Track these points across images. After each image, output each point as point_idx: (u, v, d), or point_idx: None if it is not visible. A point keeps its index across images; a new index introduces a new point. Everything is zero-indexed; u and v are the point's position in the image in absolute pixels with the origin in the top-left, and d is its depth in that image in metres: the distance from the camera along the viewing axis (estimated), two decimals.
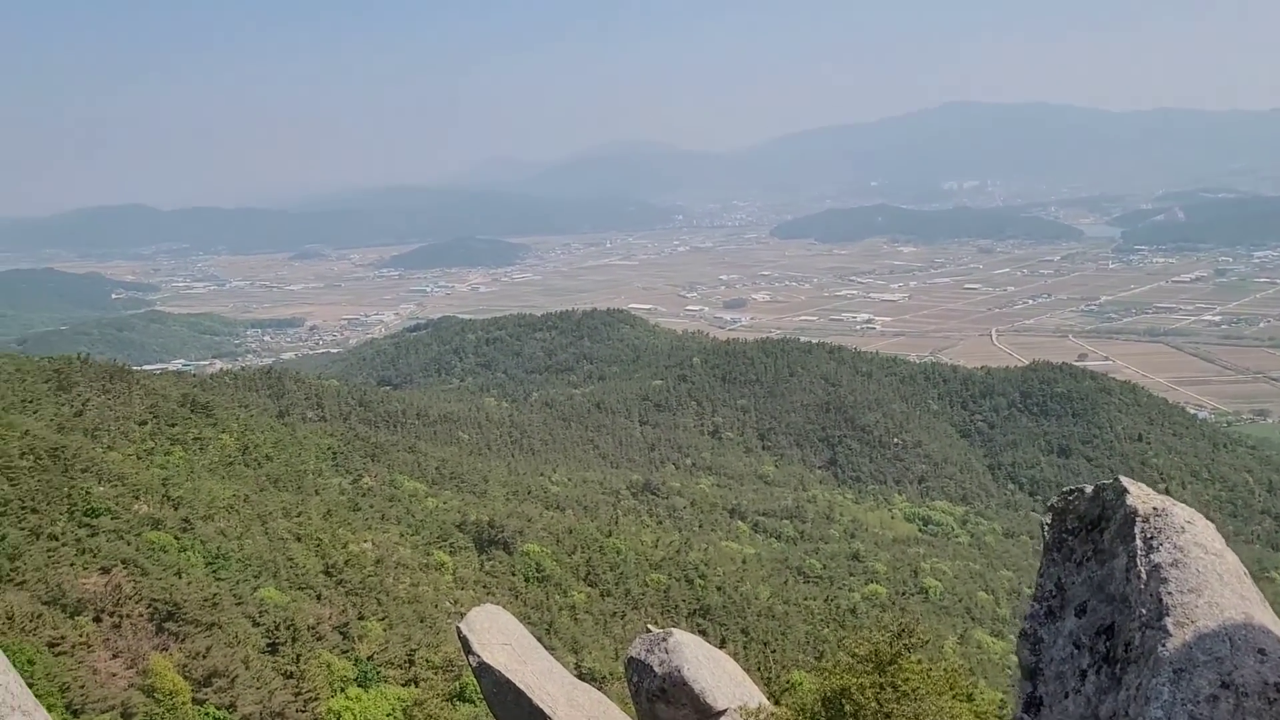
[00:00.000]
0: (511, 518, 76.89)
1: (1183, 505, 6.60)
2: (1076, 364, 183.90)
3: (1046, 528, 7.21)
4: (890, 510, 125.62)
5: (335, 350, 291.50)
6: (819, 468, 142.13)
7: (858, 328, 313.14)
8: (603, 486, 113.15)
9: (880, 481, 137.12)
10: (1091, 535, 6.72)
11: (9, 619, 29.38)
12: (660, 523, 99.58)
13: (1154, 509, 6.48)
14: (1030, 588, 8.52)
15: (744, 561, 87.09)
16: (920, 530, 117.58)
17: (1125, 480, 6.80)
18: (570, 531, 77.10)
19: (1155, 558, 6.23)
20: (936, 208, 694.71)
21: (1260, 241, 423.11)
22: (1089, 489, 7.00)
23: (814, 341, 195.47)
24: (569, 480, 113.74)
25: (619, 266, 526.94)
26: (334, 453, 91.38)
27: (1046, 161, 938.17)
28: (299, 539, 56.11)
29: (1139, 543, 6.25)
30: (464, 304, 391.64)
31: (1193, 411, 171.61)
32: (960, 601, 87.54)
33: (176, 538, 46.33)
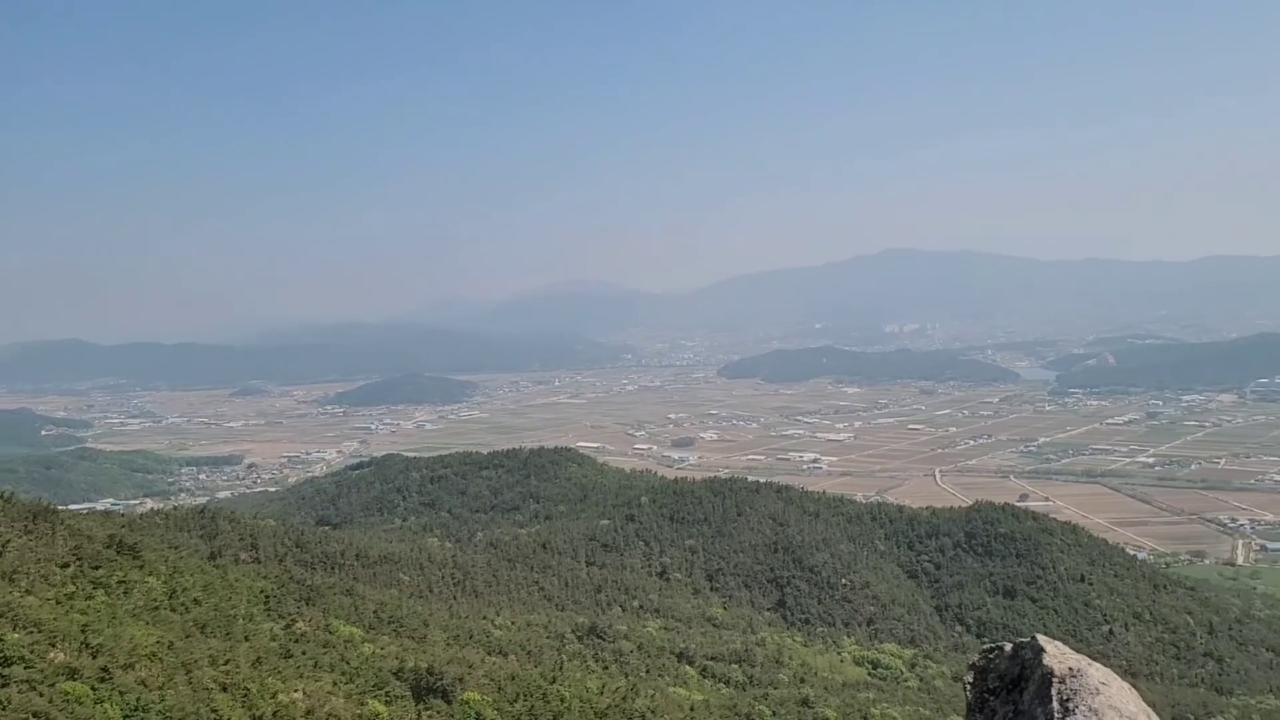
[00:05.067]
0: (451, 664, 74.23)
1: (1098, 665, 6.68)
2: (1019, 504, 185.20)
3: (969, 687, 7.19)
4: (840, 653, 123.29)
5: (274, 489, 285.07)
6: (768, 609, 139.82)
7: (804, 467, 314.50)
8: (547, 630, 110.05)
9: (829, 623, 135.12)
10: (1011, 695, 6.72)
11: None
12: (606, 668, 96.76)
13: (1070, 669, 6.54)
14: None
15: (692, 708, 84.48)
16: (869, 674, 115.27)
17: (1042, 639, 6.87)
18: (513, 678, 74.47)
19: None
20: (879, 350, 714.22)
21: (1187, 386, 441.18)
22: (1008, 647, 7.06)
23: (761, 480, 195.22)
24: (513, 624, 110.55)
25: (567, 404, 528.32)
26: (267, 596, 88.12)
27: (982, 307, 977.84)
28: (225, 689, 53.54)
29: (1055, 704, 6.28)
30: (409, 441, 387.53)
31: (1132, 552, 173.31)
32: None
33: (93, 688, 43.98)
